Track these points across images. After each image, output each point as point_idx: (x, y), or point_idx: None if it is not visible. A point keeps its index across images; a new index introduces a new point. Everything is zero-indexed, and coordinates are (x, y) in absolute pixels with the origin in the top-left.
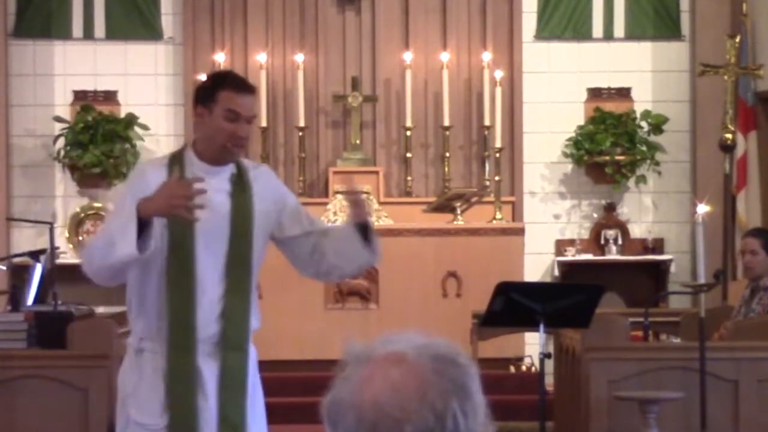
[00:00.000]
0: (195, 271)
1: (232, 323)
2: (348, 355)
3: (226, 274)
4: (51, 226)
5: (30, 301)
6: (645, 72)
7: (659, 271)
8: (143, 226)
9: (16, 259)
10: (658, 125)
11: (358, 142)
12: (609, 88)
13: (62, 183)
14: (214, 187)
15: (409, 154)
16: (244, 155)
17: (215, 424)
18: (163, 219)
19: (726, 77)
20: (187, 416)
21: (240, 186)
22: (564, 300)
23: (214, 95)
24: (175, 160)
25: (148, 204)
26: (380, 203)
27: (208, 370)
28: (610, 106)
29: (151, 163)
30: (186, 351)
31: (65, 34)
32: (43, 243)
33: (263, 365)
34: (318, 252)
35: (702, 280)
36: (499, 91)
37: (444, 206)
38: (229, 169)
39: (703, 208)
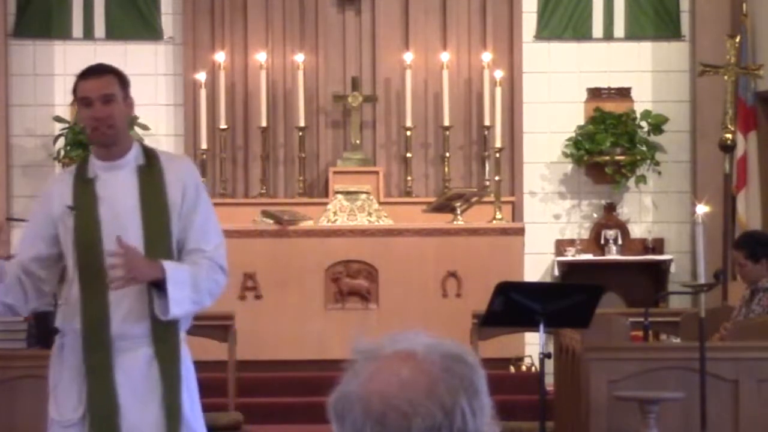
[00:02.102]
0: (104, 270)
1: (156, 317)
2: (356, 351)
3: None
4: None
5: None
6: (645, 72)
7: (659, 271)
8: None
9: None
10: (658, 125)
11: (358, 142)
12: (609, 88)
13: None
14: (117, 184)
15: (409, 154)
16: (113, 136)
17: (152, 415)
18: (69, 223)
19: (726, 77)
20: (106, 411)
21: (148, 175)
22: (564, 300)
23: (75, 93)
24: (81, 164)
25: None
26: (380, 203)
27: (134, 364)
28: (610, 106)
29: (59, 176)
30: (101, 347)
31: (65, 34)
32: None
33: (263, 365)
34: None
35: (702, 280)
36: (499, 91)
37: (444, 206)
38: (133, 161)
39: (702, 209)
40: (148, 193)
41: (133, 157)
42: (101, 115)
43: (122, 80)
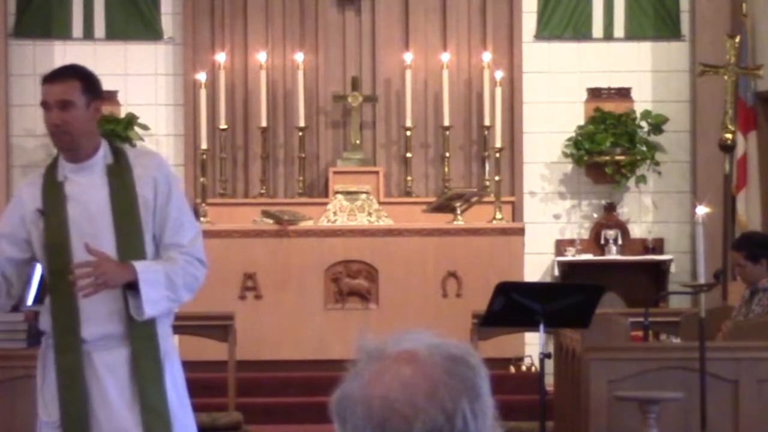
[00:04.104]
0: (71, 270)
1: (131, 316)
2: (360, 351)
3: (120, 261)
4: None
5: (30, 301)
6: (645, 72)
7: (659, 271)
8: None
9: None
10: (658, 125)
11: (358, 142)
12: (609, 88)
13: None
14: (86, 184)
15: (409, 154)
16: (69, 142)
17: (126, 416)
18: (40, 225)
19: (726, 77)
20: (76, 412)
21: (117, 174)
22: (564, 300)
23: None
24: (50, 167)
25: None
26: (380, 203)
27: (107, 364)
28: (610, 106)
29: (28, 181)
30: (70, 350)
31: (65, 34)
32: None
33: (263, 365)
34: None
35: (702, 280)
36: (499, 91)
37: (444, 206)
38: (102, 160)
39: (703, 209)
40: (118, 192)
41: (102, 156)
42: (57, 121)
43: (88, 85)
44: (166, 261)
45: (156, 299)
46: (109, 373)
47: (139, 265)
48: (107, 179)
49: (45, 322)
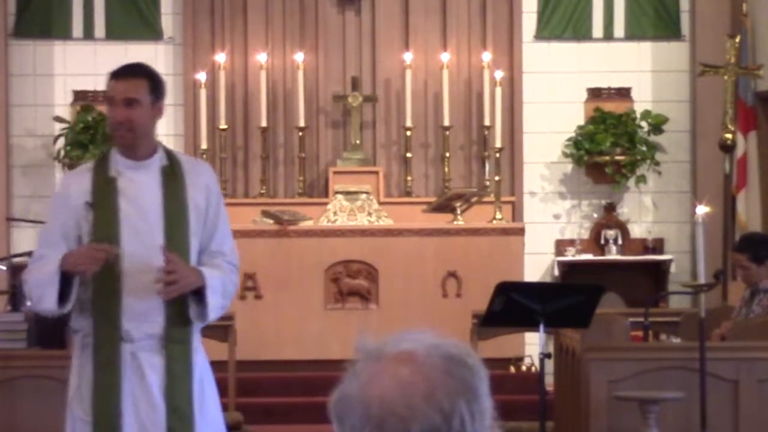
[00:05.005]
0: (121, 268)
1: (173, 317)
2: (359, 351)
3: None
4: None
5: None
6: (645, 72)
7: (659, 271)
8: (68, 278)
9: (16, 259)
10: (658, 125)
11: (358, 142)
12: (609, 88)
13: None
14: (141, 182)
15: (409, 154)
16: (131, 139)
17: (162, 415)
18: (89, 218)
19: (726, 77)
20: (110, 410)
21: (171, 177)
22: (564, 300)
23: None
24: (100, 162)
25: (65, 260)
26: (380, 203)
27: (150, 363)
28: (610, 106)
29: (76, 172)
30: (110, 345)
31: (65, 34)
32: None
33: (263, 365)
34: None
35: (702, 280)
36: (499, 91)
37: (444, 206)
38: (158, 161)
39: (703, 209)
40: (172, 195)
41: (158, 158)
42: (121, 118)
43: (154, 84)
44: (216, 268)
45: (215, 305)
46: (153, 373)
47: (204, 271)
48: (161, 180)
49: (81, 320)
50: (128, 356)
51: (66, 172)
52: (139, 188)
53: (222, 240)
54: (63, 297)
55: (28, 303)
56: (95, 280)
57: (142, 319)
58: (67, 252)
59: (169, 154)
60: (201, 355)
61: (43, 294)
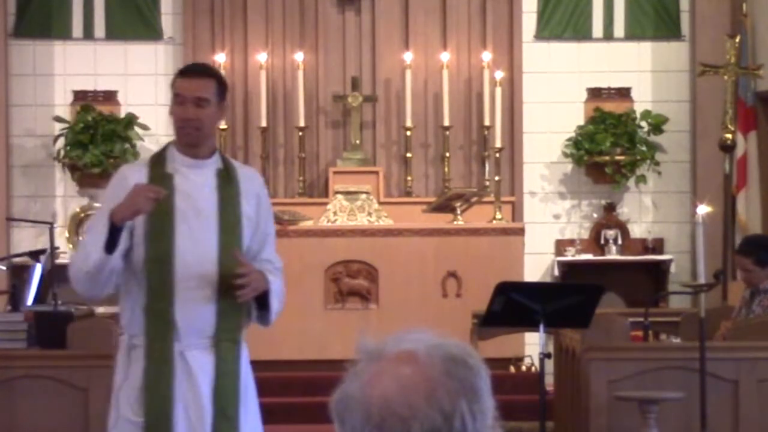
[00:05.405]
0: (174, 264)
1: (224, 316)
2: (360, 351)
3: (218, 265)
4: (51, 226)
5: (30, 301)
6: (645, 72)
7: (659, 271)
8: (116, 231)
9: (16, 259)
10: (658, 125)
11: (358, 142)
12: (609, 88)
13: (62, 183)
14: (198, 181)
15: (409, 154)
16: (198, 138)
17: (209, 415)
18: (143, 218)
19: (726, 77)
20: (162, 410)
21: (227, 181)
22: (564, 300)
23: (173, 86)
24: (157, 158)
25: (117, 210)
26: (380, 203)
27: (198, 362)
28: (610, 106)
29: (132, 166)
30: (164, 343)
31: (65, 34)
32: (43, 243)
33: (263, 365)
34: None
35: (702, 280)
36: (499, 91)
37: (444, 206)
38: (215, 163)
39: (703, 209)
40: (226, 199)
41: (215, 160)
42: (191, 116)
43: (221, 86)
44: (270, 273)
45: (275, 310)
46: (202, 372)
47: (269, 276)
48: (217, 183)
49: (131, 318)
50: (177, 355)
51: (66, 172)
52: (195, 187)
53: (270, 249)
54: (109, 247)
55: (72, 283)
56: (148, 274)
57: (193, 317)
58: (116, 205)
59: (224, 158)
60: (245, 352)
61: (88, 252)
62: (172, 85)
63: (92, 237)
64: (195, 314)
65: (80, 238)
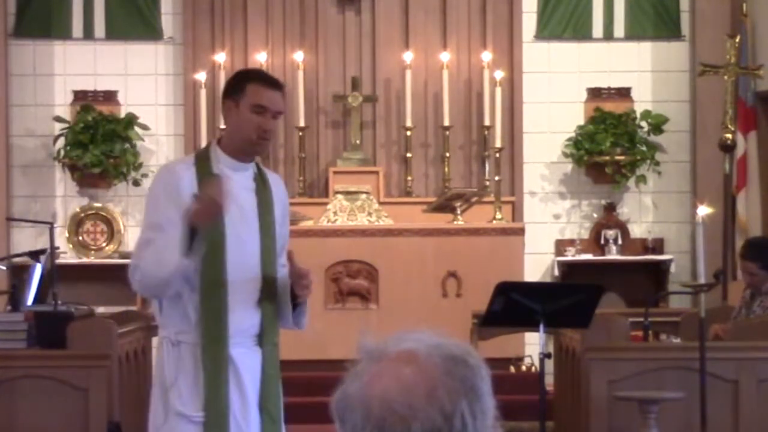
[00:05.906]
0: (226, 265)
1: (267, 318)
2: (361, 350)
3: (260, 267)
4: (51, 226)
5: (30, 301)
6: (645, 72)
7: (659, 271)
8: (194, 235)
9: (16, 259)
10: (658, 125)
11: (358, 142)
12: (609, 88)
13: (62, 183)
14: (240, 184)
15: (409, 154)
16: (265, 148)
17: (255, 416)
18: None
19: (726, 77)
20: (220, 408)
21: (262, 186)
22: (564, 300)
23: (243, 88)
24: (202, 157)
25: (196, 214)
26: (380, 203)
27: (244, 363)
28: (610, 106)
29: (181, 164)
30: (219, 344)
31: (65, 34)
32: (43, 243)
33: None
34: None
35: (702, 280)
36: (499, 91)
37: (444, 206)
38: (252, 167)
39: (704, 210)
40: (264, 203)
41: (252, 164)
42: (270, 128)
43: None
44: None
45: (308, 312)
46: (248, 373)
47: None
48: (255, 187)
49: (179, 317)
50: (231, 357)
51: (66, 172)
52: (238, 189)
53: (284, 253)
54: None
55: (138, 286)
56: (202, 274)
57: (241, 318)
58: (186, 212)
59: (257, 163)
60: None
61: (162, 258)
62: (250, 91)
63: (164, 241)
64: (242, 315)
65: (80, 238)
